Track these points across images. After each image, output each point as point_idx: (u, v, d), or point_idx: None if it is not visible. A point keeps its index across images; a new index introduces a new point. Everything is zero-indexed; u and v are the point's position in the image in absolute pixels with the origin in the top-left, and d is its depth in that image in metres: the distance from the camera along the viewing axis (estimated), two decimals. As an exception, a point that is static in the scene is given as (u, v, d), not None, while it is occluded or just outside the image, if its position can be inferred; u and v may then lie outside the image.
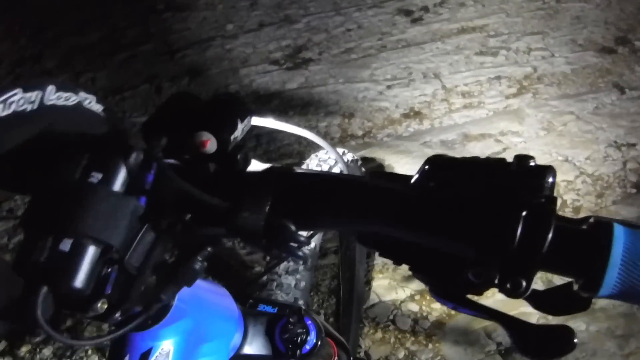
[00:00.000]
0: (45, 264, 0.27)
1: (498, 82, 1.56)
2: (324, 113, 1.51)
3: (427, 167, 0.27)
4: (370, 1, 1.90)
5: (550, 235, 0.23)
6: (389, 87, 1.57)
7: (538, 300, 0.26)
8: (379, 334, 1.01)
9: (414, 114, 1.49)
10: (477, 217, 0.24)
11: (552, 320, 0.27)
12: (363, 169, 0.95)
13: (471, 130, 1.42)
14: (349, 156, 0.87)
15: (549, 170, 0.25)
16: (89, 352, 1.04)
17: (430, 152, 1.37)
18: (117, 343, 0.37)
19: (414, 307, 1.05)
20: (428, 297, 1.07)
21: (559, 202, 1.23)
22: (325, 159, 0.78)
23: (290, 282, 0.63)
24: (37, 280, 0.27)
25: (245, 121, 0.32)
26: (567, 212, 1.22)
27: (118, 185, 0.29)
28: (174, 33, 1.86)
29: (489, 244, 0.24)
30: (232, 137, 0.31)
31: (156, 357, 0.36)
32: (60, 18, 1.99)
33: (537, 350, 0.25)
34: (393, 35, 1.75)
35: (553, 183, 0.25)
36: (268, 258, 1.13)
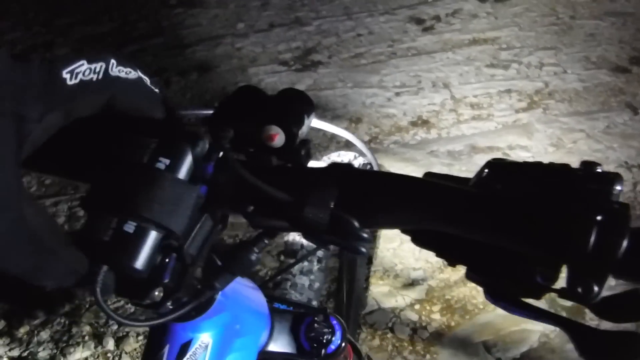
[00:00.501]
0: (108, 243, 0.27)
1: (508, 96, 1.54)
2: (331, 116, 1.50)
3: (487, 170, 0.27)
4: (382, 7, 1.89)
5: (625, 241, 0.23)
6: (397, 94, 1.55)
7: (602, 306, 0.25)
8: (377, 341, 0.99)
9: (421, 122, 1.47)
10: (551, 218, 0.24)
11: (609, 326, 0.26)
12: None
13: (479, 142, 1.40)
14: (360, 160, 0.85)
15: (617, 177, 0.25)
16: (86, 337, 1.02)
17: (436, 162, 1.36)
18: (157, 331, 0.37)
19: (413, 315, 1.03)
20: (428, 307, 1.04)
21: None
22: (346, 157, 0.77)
23: (305, 282, 0.62)
24: (99, 258, 0.27)
25: (311, 117, 0.33)
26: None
27: (183, 173, 0.29)
28: (184, 28, 1.86)
29: (562, 246, 0.24)
30: (299, 132, 0.31)
31: (195, 349, 0.36)
32: (74, 6, 1.99)
33: (601, 356, 0.24)
34: (404, 42, 1.74)
35: (620, 191, 0.25)
36: (282, 258, 1.11)
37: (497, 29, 1.78)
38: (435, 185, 0.27)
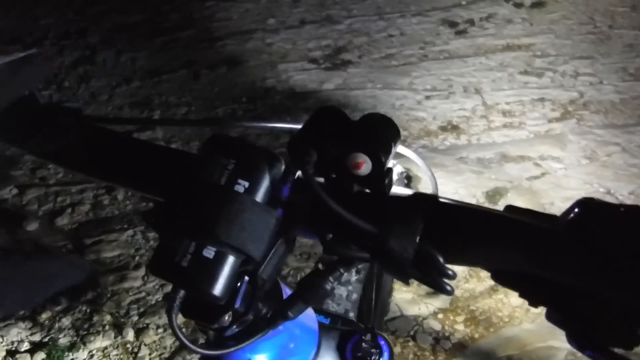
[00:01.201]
0: (187, 269, 0.27)
1: (541, 104, 1.51)
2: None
3: (577, 208, 0.26)
4: (414, 9, 1.87)
5: None
6: (427, 97, 1.53)
7: None
8: (398, 349, 0.98)
9: (451, 127, 1.45)
10: None
11: None
12: (405, 181, 0.92)
13: (510, 150, 1.38)
14: (399, 168, 0.84)
15: None
16: (107, 327, 1.04)
17: (465, 168, 1.34)
18: None
19: (436, 325, 1.02)
20: (452, 317, 1.03)
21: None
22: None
23: (342, 292, 0.61)
24: (178, 283, 0.27)
25: (398, 145, 0.31)
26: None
27: (261, 195, 0.28)
28: (215, 21, 1.86)
29: None
30: (387, 161, 0.30)
31: None
32: (106, -5, 2.02)
33: None
34: (436, 45, 1.71)
35: None
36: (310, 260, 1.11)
37: (532, 35, 1.74)
38: (523, 224, 0.26)
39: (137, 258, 1.16)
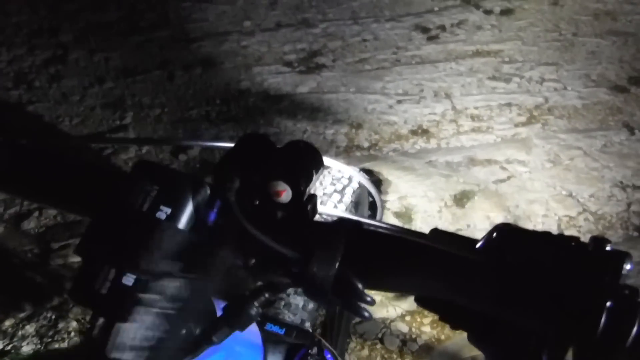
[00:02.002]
0: (106, 296, 0.27)
1: (508, 109, 1.56)
2: (332, 120, 1.51)
3: (495, 234, 0.27)
4: (388, 14, 1.90)
5: (635, 329, 0.23)
6: (399, 101, 1.57)
7: None
8: (366, 351, 1.00)
9: (421, 131, 1.49)
10: (561, 299, 0.24)
11: None
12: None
13: (477, 154, 1.42)
14: (361, 177, 0.86)
15: (627, 256, 0.25)
16: (72, 334, 1.03)
17: (434, 172, 1.38)
18: None
19: (403, 327, 1.04)
20: (419, 319, 1.06)
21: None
22: (339, 177, 0.77)
23: (299, 302, 0.62)
24: (96, 311, 0.27)
25: (320, 172, 0.32)
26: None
27: (184, 222, 0.28)
28: (191, 22, 1.86)
29: (571, 329, 0.24)
30: (307, 189, 0.30)
31: None
32: (81, -7, 1.98)
33: None
34: (408, 50, 1.75)
35: (630, 269, 0.25)
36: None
37: (500, 41, 1.79)
38: (443, 252, 0.27)
39: (107, 261, 1.16)
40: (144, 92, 1.60)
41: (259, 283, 0.31)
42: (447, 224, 1.26)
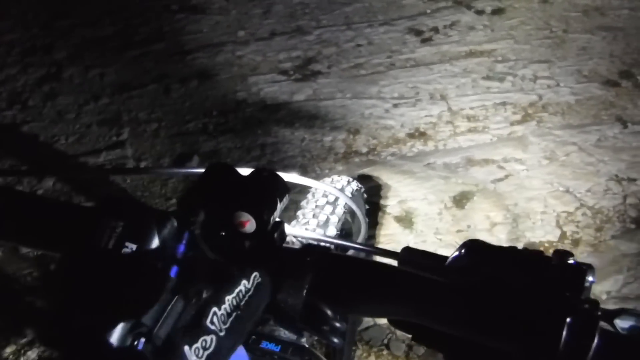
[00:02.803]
0: (75, 337, 0.27)
1: (503, 108, 1.58)
2: (330, 127, 1.52)
3: (463, 251, 0.28)
4: (381, 18, 1.92)
5: (595, 343, 0.24)
6: (395, 105, 1.58)
7: None
8: (372, 358, 1.01)
9: (419, 134, 1.50)
10: (523, 317, 0.25)
11: None
12: (365, 195, 0.95)
13: (475, 154, 1.44)
14: (354, 185, 0.87)
15: (589, 269, 0.26)
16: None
17: (433, 174, 1.39)
18: None
19: (408, 329, 1.06)
20: (423, 320, 1.07)
21: (558, 233, 1.26)
22: (322, 204, 0.78)
23: None
24: (67, 353, 0.27)
25: (285, 200, 0.32)
26: (566, 245, 1.23)
27: (151, 257, 0.28)
28: (186, 34, 1.87)
29: (533, 346, 0.24)
30: (272, 218, 0.31)
31: None
32: (74, 8, 1.99)
33: None
34: (402, 53, 1.77)
35: (593, 282, 0.26)
36: None
37: (493, 41, 1.81)
38: (411, 276, 0.28)
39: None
40: (140, 107, 1.61)
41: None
42: (447, 226, 1.27)
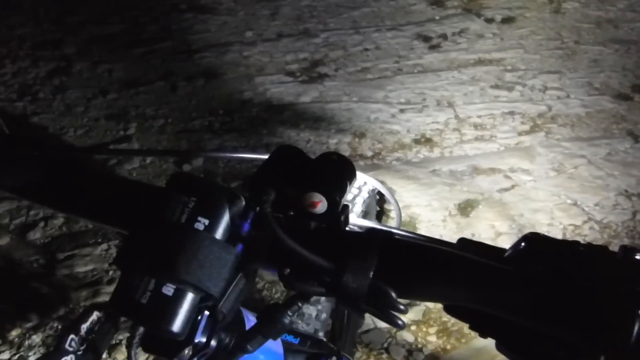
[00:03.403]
0: (147, 306, 0.28)
1: (511, 118, 1.56)
2: (335, 130, 1.51)
3: (523, 244, 0.27)
4: (389, 23, 1.91)
5: None
6: (402, 110, 1.57)
7: None
8: (370, 362, 0.99)
9: (424, 140, 1.48)
10: (593, 309, 0.24)
11: None
12: (378, 197, 0.94)
13: (481, 163, 1.42)
14: (370, 186, 0.86)
15: None
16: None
17: (438, 181, 1.37)
18: None
19: (409, 337, 1.03)
20: (424, 328, 1.05)
21: (563, 245, 1.23)
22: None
23: (312, 312, 0.62)
24: (137, 321, 0.28)
25: (353, 183, 0.33)
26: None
27: (220, 233, 0.29)
28: (194, 34, 1.87)
29: (603, 339, 0.24)
30: (342, 200, 0.31)
31: None
32: (84, 5, 2.00)
33: None
34: (410, 59, 1.75)
35: None
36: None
37: (502, 50, 1.80)
38: (473, 262, 0.27)
39: (110, 273, 1.15)
40: (147, 103, 1.60)
41: (292, 292, 0.31)
42: (451, 233, 1.25)
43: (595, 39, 1.84)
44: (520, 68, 1.72)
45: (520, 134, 1.51)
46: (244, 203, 0.30)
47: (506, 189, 1.35)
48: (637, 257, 0.25)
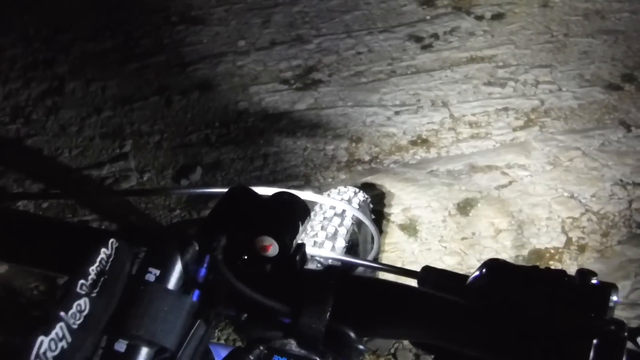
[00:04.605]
0: None
1: (505, 114, 1.57)
2: (332, 136, 1.52)
3: (483, 270, 0.27)
4: (381, 25, 1.92)
5: None
6: (397, 112, 1.58)
7: None
8: (379, 367, 1.00)
9: (421, 141, 1.50)
10: (548, 340, 0.24)
11: None
12: (371, 205, 0.95)
13: (478, 161, 1.43)
14: (360, 196, 0.87)
15: (613, 288, 0.25)
16: None
17: (436, 182, 1.39)
18: None
19: (415, 340, 1.05)
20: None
21: (563, 239, 1.24)
22: (330, 216, 0.78)
23: None
24: None
25: (306, 222, 0.32)
26: (572, 251, 1.22)
27: (173, 282, 0.29)
28: (186, 46, 1.87)
29: None
30: (294, 241, 0.31)
31: None
32: (75, 22, 2.00)
33: None
34: (403, 60, 1.77)
35: (617, 302, 0.25)
36: None
37: (493, 46, 1.81)
38: (432, 297, 0.27)
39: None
40: (142, 120, 1.61)
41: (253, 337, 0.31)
42: (452, 234, 1.26)
43: (584, 30, 1.86)
44: (512, 64, 1.74)
45: (515, 129, 1.52)
46: (197, 248, 0.30)
47: (504, 186, 1.36)
48: (593, 281, 0.26)
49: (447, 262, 1.19)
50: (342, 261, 0.33)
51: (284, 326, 0.29)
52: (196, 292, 0.29)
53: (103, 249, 0.28)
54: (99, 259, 0.28)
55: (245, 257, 0.31)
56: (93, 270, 0.28)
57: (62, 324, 0.25)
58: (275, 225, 0.30)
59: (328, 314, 0.28)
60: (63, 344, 0.24)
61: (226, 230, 0.30)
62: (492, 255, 1.22)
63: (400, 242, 1.25)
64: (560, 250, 1.22)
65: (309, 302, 0.28)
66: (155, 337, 0.27)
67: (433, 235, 1.26)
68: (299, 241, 0.31)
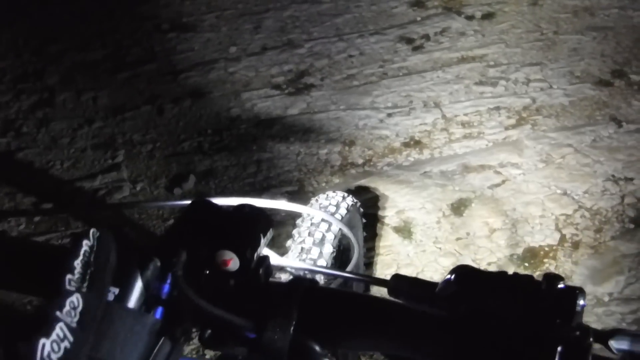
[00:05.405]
0: None
1: (497, 113, 1.58)
2: (325, 140, 1.52)
3: (452, 277, 0.28)
4: (372, 28, 1.93)
5: None
6: (389, 115, 1.58)
7: None
8: (377, 371, 1.00)
9: (414, 143, 1.50)
10: (512, 350, 0.24)
11: None
12: (362, 210, 0.95)
13: (471, 161, 1.43)
14: (349, 200, 0.87)
15: (580, 293, 0.25)
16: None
17: (430, 183, 1.39)
18: None
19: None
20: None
21: (557, 237, 1.25)
22: (318, 222, 0.78)
23: None
24: None
25: (268, 234, 0.32)
26: (566, 248, 1.23)
27: (133, 301, 0.28)
28: (178, 53, 1.87)
29: None
30: (255, 254, 0.30)
31: None
32: (66, 32, 2.00)
33: None
34: (394, 62, 1.77)
35: (584, 305, 0.25)
36: None
37: (484, 46, 1.82)
38: (396, 309, 0.27)
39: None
40: (134, 129, 1.61)
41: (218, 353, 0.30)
42: (447, 235, 1.26)
43: (574, 28, 1.87)
44: (503, 63, 1.75)
45: (507, 128, 1.53)
46: (159, 264, 0.29)
47: (497, 185, 1.37)
48: (560, 285, 0.26)
49: (442, 264, 1.19)
50: (311, 271, 0.33)
51: (249, 341, 0.28)
52: (159, 309, 0.29)
53: (85, 241, 0.28)
54: (82, 252, 0.27)
55: (207, 272, 0.30)
56: (78, 264, 0.27)
57: (61, 323, 0.24)
58: (235, 239, 0.30)
59: (292, 327, 0.27)
60: (65, 344, 0.24)
61: (186, 245, 0.29)
62: (487, 254, 1.22)
63: (395, 244, 1.25)
64: (554, 247, 1.23)
65: (273, 316, 0.27)
66: (115, 358, 0.26)
67: (428, 236, 1.26)
68: (262, 254, 0.31)
